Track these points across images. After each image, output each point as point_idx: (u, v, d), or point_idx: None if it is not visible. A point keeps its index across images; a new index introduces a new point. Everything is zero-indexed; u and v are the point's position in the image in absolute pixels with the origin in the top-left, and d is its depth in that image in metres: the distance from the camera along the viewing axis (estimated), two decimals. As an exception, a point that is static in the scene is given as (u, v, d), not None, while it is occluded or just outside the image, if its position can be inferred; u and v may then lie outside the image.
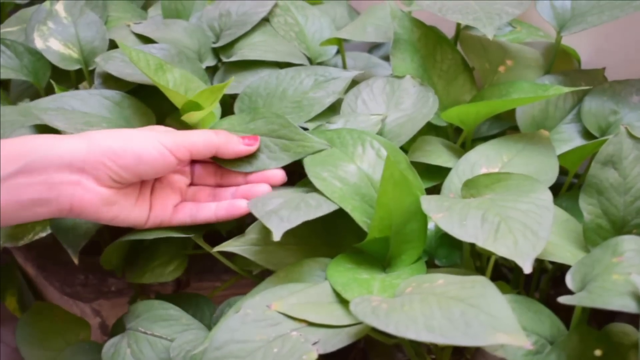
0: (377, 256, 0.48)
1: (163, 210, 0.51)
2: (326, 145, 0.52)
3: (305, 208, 0.46)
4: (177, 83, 0.57)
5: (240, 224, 0.56)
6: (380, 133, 0.55)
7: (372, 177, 0.50)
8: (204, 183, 0.55)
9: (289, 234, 0.46)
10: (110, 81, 0.62)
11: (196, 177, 0.55)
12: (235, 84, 0.64)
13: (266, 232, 0.46)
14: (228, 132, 0.53)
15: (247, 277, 0.54)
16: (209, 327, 0.53)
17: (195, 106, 0.54)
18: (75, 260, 0.54)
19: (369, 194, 0.49)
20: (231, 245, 0.49)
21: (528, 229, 0.40)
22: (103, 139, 0.46)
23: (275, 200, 0.48)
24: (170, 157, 0.48)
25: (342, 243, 0.49)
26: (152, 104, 0.60)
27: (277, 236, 0.43)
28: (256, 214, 0.47)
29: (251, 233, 0.49)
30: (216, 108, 0.59)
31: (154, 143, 0.47)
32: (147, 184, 0.51)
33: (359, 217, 0.47)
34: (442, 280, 0.38)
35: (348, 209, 0.47)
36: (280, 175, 0.52)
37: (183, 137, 0.49)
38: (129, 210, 0.49)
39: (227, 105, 0.62)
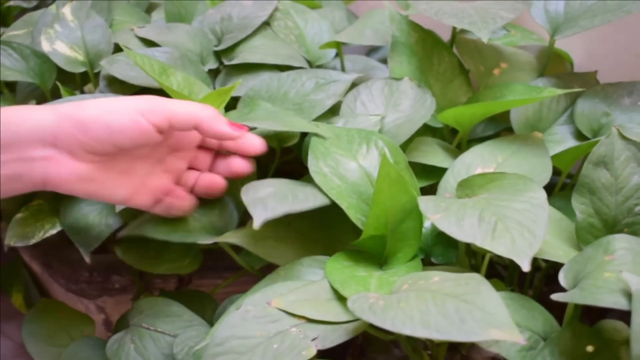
0: (374, 254, 0.48)
1: (151, 195, 0.49)
2: (324, 132, 0.52)
3: (292, 200, 0.46)
4: (180, 86, 0.57)
5: (243, 219, 0.56)
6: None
7: (373, 176, 0.50)
8: (202, 168, 0.53)
9: (289, 228, 0.46)
10: (115, 84, 0.62)
11: (197, 161, 0.52)
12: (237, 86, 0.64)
13: (267, 225, 0.46)
14: (217, 110, 0.50)
15: (250, 272, 0.54)
16: (211, 324, 0.53)
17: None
18: (88, 260, 0.54)
19: (367, 192, 0.49)
20: (232, 237, 0.49)
21: (524, 227, 0.40)
22: (71, 110, 0.43)
23: (267, 188, 0.47)
24: (145, 123, 0.44)
25: (341, 239, 0.49)
26: None
27: (256, 224, 0.43)
28: (245, 199, 0.46)
29: (252, 225, 0.49)
30: (221, 111, 0.59)
31: (126, 109, 0.44)
32: (144, 160, 0.48)
33: (354, 215, 0.47)
34: (437, 278, 0.38)
35: (343, 206, 0.47)
36: (259, 145, 0.50)
37: (162, 103, 0.45)
38: (110, 186, 0.46)
39: (230, 107, 0.62)
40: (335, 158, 0.51)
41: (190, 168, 0.53)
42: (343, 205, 0.47)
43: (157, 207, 0.51)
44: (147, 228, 0.52)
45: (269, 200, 0.46)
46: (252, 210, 0.45)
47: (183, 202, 0.51)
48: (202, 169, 0.53)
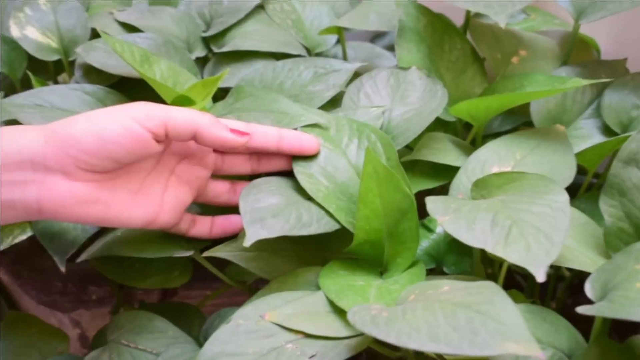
0: (372, 261, 0.48)
1: (174, 212, 0.49)
2: (323, 120, 0.52)
3: (294, 222, 0.46)
4: (164, 76, 0.57)
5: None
6: (386, 129, 0.55)
7: None
8: (236, 171, 0.52)
9: (284, 240, 0.46)
10: (92, 73, 0.62)
11: (226, 165, 0.52)
12: (227, 76, 0.64)
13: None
14: (215, 116, 0.50)
15: (240, 288, 0.54)
16: (198, 340, 0.53)
17: (186, 101, 0.54)
18: (62, 269, 0.53)
19: (358, 192, 0.49)
20: (222, 251, 0.48)
21: (541, 233, 0.39)
22: (61, 126, 0.43)
23: (270, 198, 0.47)
24: (141, 130, 0.44)
25: (341, 249, 0.49)
26: (138, 99, 0.58)
27: (247, 243, 0.43)
28: (242, 207, 0.46)
29: (244, 237, 0.49)
30: (208, 103, 0.59)
31: (119, 117, 0.43)
32: (155, 175, 0.48)
33: (344, 218, 0.47)
34: (447, 287, 0.38)
35: (331, 209, 0.47)
36: (314, 143, 0.50)
37: (158, 108, 0.45)
38: (123, 208, 0.46)
39: (219, 99, 0.62)
40: (324, 154, 0.51)
41: (220, 173, 0.53)
42: (331, 208, 0.47)
43: (192, 231, 0.51)
44: (117, 245, 0.52)
45: (268, 216, 0.45)
46: (246, 226, 0.44)
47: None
48: (240, 171, 0.53)
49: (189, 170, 0.50)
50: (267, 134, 0.50)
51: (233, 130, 0.48)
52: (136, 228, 0.48)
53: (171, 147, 0.49)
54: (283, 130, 0.50)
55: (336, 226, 0.47)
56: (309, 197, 0.48)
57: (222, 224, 0.51)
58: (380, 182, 0.44)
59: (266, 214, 0.46)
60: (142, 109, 0.44)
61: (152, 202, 0.48)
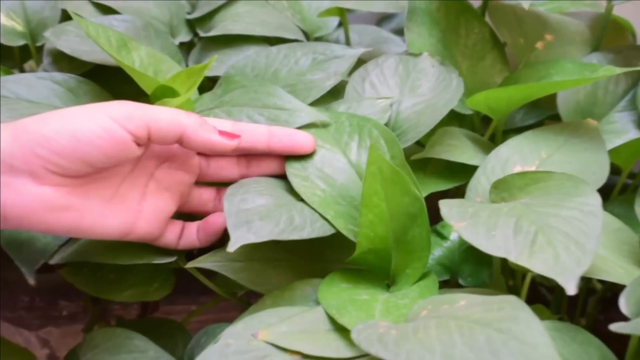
0: (378, 272, 0.48)
1: (155, 221, 0.49)
2: (325, 117, 0.52)
3: (285, 225, 0.45)
4: (144, 64, 0.57)
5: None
6: (394, 123, 0.55)
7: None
8: (223, 176, 0.52)
9: (277, 248, 0.46)
10: (63, 61, 0.62)
11: (211, 170, 0.52)
12: (215, 64, 0.64)
13: (251, 243, 0.45)
14: (204, 118, 0.50)
15: (231, 299, 0.53)
16: (182, 361, 0.53)
17: (169, 92, 0.54)
18: (31, 281, 0.53)
19: (359, 195, 0.49)
20: (207, 261, 0.48)
21: (571, 240, 0.39)
22: (32, 123, 0.42)
23: (260, 199, 0.47)
24: (121, 131, 0.43)
25: (343, 259, 0.49)
26: (115, 90, 0.60)
27: (231, 247, 0.43)
28: (227, 208, 0.46)
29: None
30: (194, 94, 0.58)
31: (97, 117, 0.43)
32: (132, 180, 0.48)
33: (344, 225, 0.47)
34: (464, 302, 0.38)
35: (329, 215, 0.47)
36: (309, 141, 0.51)
37: (140, 108, 0.45)
38: (97, 217, 0.45)
39: (206, 90, 0.62)
40: (321, 154, 0.50)
41: (205, 179, 0.52)
42: (328, 214, 0.47)
43: (182, 241, 0.51)
44: (90, 249, 0.51)
45: (256, 218, 0.45)
46: (231, 229, 0.44)
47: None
48: (227, 176, 0.52)
49: (170, 175, 0.50)
50: (255, 132, 0.50)
51: (222, 133, 0.48)
52: (112, 239, 0.47)
53: (151, 149, 0.49)
54: (273, 128, 0.50)
55: (332, 230, 0.47)
56: (302, 198, 0.48)
57: (203, 227, 0.51)
58: (386, 183, 0.44)
59: (253, 216, 0.46)
60: (123, 108, 0.44)
61: (128, 210, 0.47)
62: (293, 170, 0.50)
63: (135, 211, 0.48)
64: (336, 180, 0.50)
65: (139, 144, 0.45)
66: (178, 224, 0.51)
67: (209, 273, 0.50)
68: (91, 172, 0.45)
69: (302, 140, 0.50)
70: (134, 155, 0.45)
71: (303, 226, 0.46)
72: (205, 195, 0.52)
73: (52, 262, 0.52)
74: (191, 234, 0.51)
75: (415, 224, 0.46)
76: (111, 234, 0.47)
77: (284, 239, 0.45)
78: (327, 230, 0.46)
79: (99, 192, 0.46)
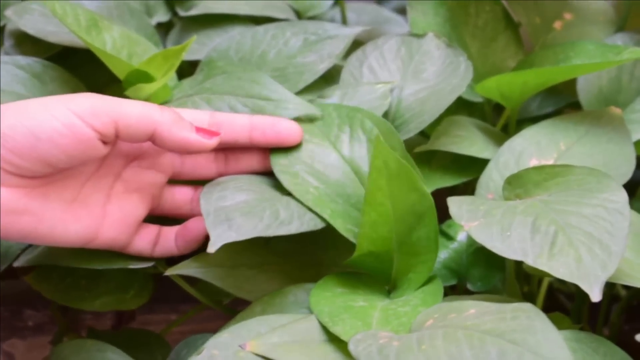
0: (378, 276, 0.48)
1: (122, 226, 0.48)
2: (316, 110, 0.52)
3: (269, 220, 0.45)
4: (116, 46, 0.57)
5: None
6: (395, 111, 0.55)
7: (362, 170, 0.50)
8: (199, 175, 0.52)
9: (268, 250, 0.46)
10: (26, 43, 0.62)
11: (186, 168, 0.52)
12: (196, 46, 0.64)
13: (237, 246, 0.45)
14: (179, 112, 0.49)
15: (215, 308, 0.53)
16: (161, 376, 0.53)
17: (143, 77, 0.54)
18: None
19: (356, 193, 0.49)
20: (188, 267, 0.48)
21: (595, 241, 0.40)
22: None
23: (238, 195, 0.47)
24: (85, 128, 0.43)
25: (339, 261, 0.49)
26: (84, 75, 0.60)
27: (211, 248, 0.43)
28: (204, 206, 0.46)
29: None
30: (171, 79, 0.58)
31: (58, 111, 0.43)
32: (96, 180, 0.48)
33: (342, 225, 0.47)
34: (473, 310, 0.38)
35: (326, 214, 0.47)
36: (294, 130, 0.50)
37: (107, 102, 0.44)
38: (56, 221, 0.45)
39: (186, 75, 0.62)
40: (309, 149, 0.50)
41: (179, 178, 0.52)
42: (325, 213, 0.47)
43: (158, 249, 0.50)
44: (59, 252, 0.51)
45: (237, 215, 0.45)
46: (210, 228, 0.44)
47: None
48: (204, 174, 0.52)
49: (140, 174, 0.50)
50: (236, 124, 0.50)
51: (199, 130, 0.48)
52: (73, 246, 0.47)
53: (118, 147, 0.49)
54: (255, 118, 0.50)
55: (322, 224, 0.47)
56: (287, 193, 0.48)
57: (182, 232, 0.51)
58: (392, 179, 0.44)
59: (234, 212, 0.46)
60: (87, 102, 0.44)
61: (90, 214, 0.47)
62: (280, 167, 0.49)
63: (99, 215, 0.47)
64: (329, 177, 0.50)
65: (105, 142, 0.45)
66: (152, 229, 0.51)
67: (191, 279, 0.50)
68: (51, 172, 0.44)
69: (287, 131, 0.50)
70: (100, 154, 0.45)
71: (290, 220, 0.46)
72: (179, 196, 0.52)
73: (17, 264, 0.52)
74: (168, 241, 0.51)
75: (422, 224, 0.46)
76: (72, 240, 0.47)
77: (270, 234, 0.45)
78: (317, 224, 0.47)
79: (59, 194, 0.46)
